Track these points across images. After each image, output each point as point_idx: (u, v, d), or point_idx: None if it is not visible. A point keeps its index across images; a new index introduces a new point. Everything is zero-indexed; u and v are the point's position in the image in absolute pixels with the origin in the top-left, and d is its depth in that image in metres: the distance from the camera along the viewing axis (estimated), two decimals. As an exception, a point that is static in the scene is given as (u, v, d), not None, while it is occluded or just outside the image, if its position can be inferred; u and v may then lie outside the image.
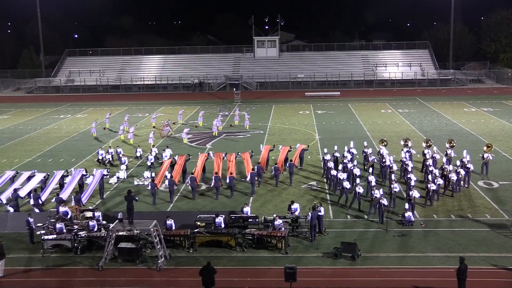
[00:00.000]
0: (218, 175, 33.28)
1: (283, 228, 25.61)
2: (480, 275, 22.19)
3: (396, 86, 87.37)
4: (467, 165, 33.72)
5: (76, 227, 26.14)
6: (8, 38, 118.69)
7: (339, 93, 79.47)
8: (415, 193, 28.97)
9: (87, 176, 34.35)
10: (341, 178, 31.56)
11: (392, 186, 30.29)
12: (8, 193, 31.86)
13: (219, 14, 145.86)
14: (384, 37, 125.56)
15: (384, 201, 27.87)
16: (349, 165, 34.29)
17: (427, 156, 35.81)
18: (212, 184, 33.04)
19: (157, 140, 48.27)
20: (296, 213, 27.46)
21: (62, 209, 27.51)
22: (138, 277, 23.07)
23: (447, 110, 63.35)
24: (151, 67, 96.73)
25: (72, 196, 30.77)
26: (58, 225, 25.70)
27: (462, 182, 32.96)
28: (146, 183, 35.26)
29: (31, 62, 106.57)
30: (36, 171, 35.19)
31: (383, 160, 35.30)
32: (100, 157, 40.81)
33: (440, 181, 31.43)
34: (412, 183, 30.64)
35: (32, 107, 73.72)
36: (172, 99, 78.65)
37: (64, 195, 31.34)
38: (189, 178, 33.73)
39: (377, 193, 28.90)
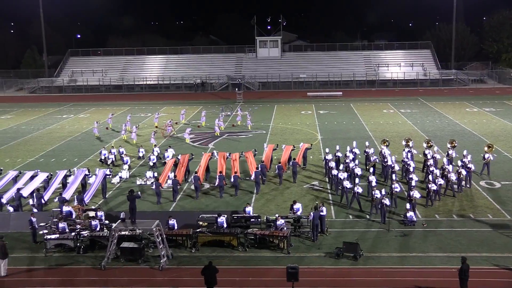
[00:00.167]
0: (222, 174, 33.45)
1: (285, 228, 25.65)
2: (482, 275, 22.20)
3: (398, 86, 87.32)
4: (468, 165, 33.72)
5: (78, 226, 26.23)
6: (11, 38, 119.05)
7: (341, 93, 79.50)
8: (416, 194, 29.00)
9: (90, 176, 34.45)
10: (342, 177, 31.64)
11: (393, 186, 30.33)
12: (11, 192, 31.96)
13: (221, 14, 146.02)
14: (386, 37, 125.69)
15: (386, 201, 27.89)
16: (351, 164, 34.37)
17: (428, 156, 35.82)
18: (217, 183, 33.23)
19: (160, 140, 48.36)
20: (298, 213, 27.50)
21: (65, 208, 27.60)
22: (140, 277, 23.13)
23: (449, 110, 63.32)
24: (153, 67, 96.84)
25: (75, 196, 30.89)
26: (60, 225, 25.76)
27: (464, 182, 32.97)
28: (148, 183, 35.40)
29: (34, 62, 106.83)
30: (39, 170, 35.29)
31: (385, 160, 35.34)
32: (103, 157, 40.89)
33: (441, 181, 31.46)
34: (413, 183, 30.65)
35: (35, 107, 73.87)
36: (175, 99, 78.72)
37: (67, 194, 31.39)
38: (192, 177, 33.89)
39: (378, 193, 28.96)
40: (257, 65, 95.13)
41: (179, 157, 37.14)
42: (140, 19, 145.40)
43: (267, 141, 47.29)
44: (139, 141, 47.82)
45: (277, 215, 26.43)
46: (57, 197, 30.66)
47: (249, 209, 27.90)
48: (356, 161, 35.37)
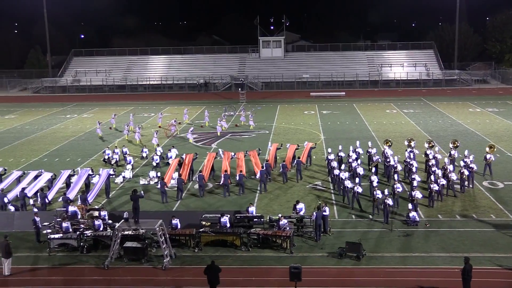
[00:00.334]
0: (227, 173, 33.61)
1: (288, 228, 25.69)
2: (485, 276, 22.19)
3: (401, 87, 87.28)
4: (471, 165, 33.70)
5: (82, 226, 26.30)
6: (15, 39, 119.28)
7: (344, 93, 79.51)
8: (418, 194, 29.03)
9: (93, 175, 34.55)
10: (343, 177, 31.70)
11: (395, 186, 30.35)
12: (15, 192, 32.09)
13: (224, 15, 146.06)
14: (389, 37, 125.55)
15: (389, 201, 27.91)
16: (354, 164, 34.43)
17: (430, 157, 35.81)
18: (222, 182, 33.37)
19: (163, 139, 48.45)
20: (301, 213, 27.54)
21: (71, 208, 27.68)
22: (143, 276, 23.20)
23: (452, 110, 63.27)
24: (157, 67, 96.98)
25: (78, 196, 30.98)
26: (64, 224, 25.86)
27: (466, 182, 32.96)
28: (152, 182, 35.52)
29: (37, 62, 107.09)
30: (43, 170, 35.39)
31: (388, 160, 35.37)
32: (106, 157, 40.99)
33: (443, 181, 31.45)
34: (415, 183, 30.65)
35: (38, 107, 74.06)
36: (178, 99, 78.81)
37: (71, 194, 31.50)
38: (197, 176, 34.03)
39: (379, 193, 29.00)
40: (260, 65, 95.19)
41: (183, 156, 37.27)
42: (143, 19, 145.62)
43: (270, 141, 47.34)
44: (143, 141, 47.87)
45: (280, 215, 26.46)
46: (61, 197, 30.79)
47: (252, 209, 27.97)
48: (359, 161, 35.42)
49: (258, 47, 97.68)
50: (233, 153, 37.47)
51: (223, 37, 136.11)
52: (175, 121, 53.70)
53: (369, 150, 37.64)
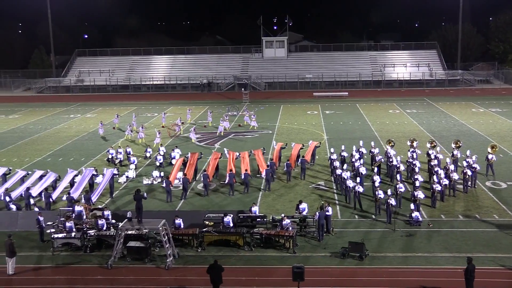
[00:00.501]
0: (232, 172, 33.76)
1: (291, 228, 25.73)
2: (488, 276, 22.20)
3: (404, 87, 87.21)
4: (473, 165, 33.70)
5: (86, 226, 26.38)
6: (19, 39, 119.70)
7: (347, 93, 79.48)
8: (420, 194, 29.05)
9: (97, 175, 34.65)
10: (345, 177, 31.75)
11: (397, 186, 30.37)
12: (20, 191, 32.22)
13: (228, 15, 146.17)
14: (392, 37, 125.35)
15: (392, 201, 27.94)
16: (356, 164, 34.48)
17: (432, 157, 35.81)
18: (227, 181, 33.54)
19: (166, 139, 48.53)
20: (304, 212, 27.58)
21: (77, 208, 27.75)
22: (146, 276, 23.27)
23: (455, 110, 63.22)
24: (160, 67, 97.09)
25: (82, 195, 31.08)
26: (68, 224, 25.94)
27: (469, 183, 32.96)
28: (155, 182, 35.62)
29: (41, 62, 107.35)
30: (49, 170, 35.46)
31: (390, 160, 35.39)
32: (110, 156, 41.09)
33: (446, 182, 31.44)
34: (417, 183, 30.65)
35: (42, 106, 74.23)
36: (181, 99, 78.89)
37: (75, 194, 31.57)
38: (202, 175, 34.15)
39: (381, 193, 29.03)
40: (263, 65, 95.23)
41: (187, 155, 37.37)
42: (147, 19, 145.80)
43: (273, 140, 47.39)
44: (146, 141, 47.95)
45: (283, 215, 26.52)
46: (65, 196, 30.88)
47: (255, 208, 28.02)
48: (361, 161, 35.48)
49: (261, 47, 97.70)
50: (237, 153, 37.59)
51: (226, 37, 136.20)
52: (180, 120, 53.77)
53: (372, 150, 37.68)
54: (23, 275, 23.50)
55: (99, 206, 29.81)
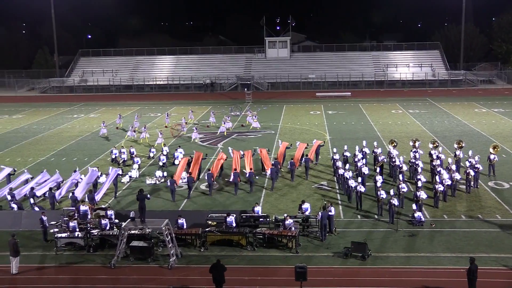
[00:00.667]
0: (236, 171, 33.86)
1: (293, 228, 25.78)
2: (491, 276, 22.21)
3: (406, 87, 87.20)
4: (476, 166, 33.70)
5: (89, 225, 26.47)
6: (23, 39, 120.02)
7: (350, 93, 79.56)
8: (422, 194, 29.08)
9: (100, 175, 34.72)
10: (347, 177, 31.81)
11: (400, 186, 30.41)
12: (25, 191, 32.33)
13: (230, 15, 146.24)
14: (395, 37, 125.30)
15: (395, 201, 27.97)
16: (359, 163, 34.54)
17: (434, 157, 35.83)
18: (231, 179, 33.58)
19: (169, 139, 48.61)
20: (307, 212, 27.62)
21: (83, 208, 27.85)
22: (149, 275, 23.33)
23: (458, 110, 63.20)
24: (163, 67, 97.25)
25: (86, 195, 31.17)
26: (71, 224, 26.03)
27: (472, 183, 32.97)
28: (158, 182, 35.72)
29: (45, 63, 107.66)
30: (57, 170, 35.51)
31: (393, 160, 35.43)
32: (114, 156, 41.20)
33: (448, 182, 31.47)
34: (419, 184, 30.68)
35: (46, 106, 74.43)
36: (184, 99, 79.02)
37: (79, 194, 31.62)
38: (206, 174, 34.26)
39: (383, 193, 29.08)
40: (266, 66, 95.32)
41: (192, 155, 37.42)
42: (150, 20, 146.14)
43: (275, 141, 47.46)
44: (150, 141, 48.02)
45: (285, 215, 26.57)
46: (69, 195, 30.99)
47: (258, 208, 28.08)
48: (364, 161, 35.52)
49: (264, 47, 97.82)
50: (242, 152, 37.71)
51: (229, 38, 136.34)
52: (184, 120, 53.83)
53: (374, 150, 37.76)
54: (26, 275, 23.59)
55: (102, 206, 29.90)
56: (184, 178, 34.23)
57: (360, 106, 68.45)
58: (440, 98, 73.99)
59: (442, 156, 36.38)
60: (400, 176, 32.24)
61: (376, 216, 28.97)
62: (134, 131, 50.54)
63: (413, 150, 37.17)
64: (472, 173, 32.78)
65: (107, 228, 26.34)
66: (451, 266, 23.31)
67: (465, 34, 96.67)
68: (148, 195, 28.37)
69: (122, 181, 36.15)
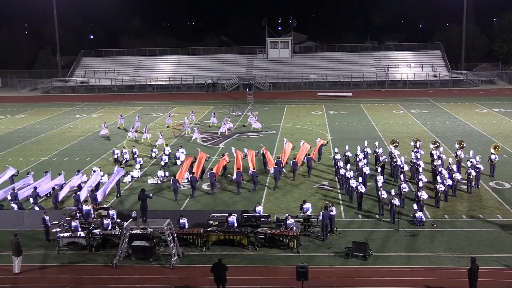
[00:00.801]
0: (240, 171, 34.05)
1: (295, 228, 25.84)
2: (492, 276, 22.24)
3: (408, 87, 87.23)
4: (477, 166, 33.74)
5: (91, 225, 26.55)
6: (25, 39, 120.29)
7: (351, 93, 79.61)
8: (423, 194, 29.13)
9: (102, 175, 34.83)
10: (349, 177, 31.88)
11: (401, 186, 30.46)
12: (28, 191, 32.44)
13: (232, 15, 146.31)
14: (396, 38, 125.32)
15: (396, 201, 28.02)
16: (360, 163, 34.61)
17: (435, 157, 35.88)
18: (234, 178, 33.72)
19: (171, 139, 48.69)
20: (308, 212, 27.67)
21: (86, 207, 27.94)
22: (151, 275, 23.40)
23: (459, 111, 63.21)
24: (165, 68, 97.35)
25: (88, 195, 31.26)
26: (73, 223, 26.11)
27: (473, 183, 33.01)
28: (160, 182, 35.81)
29: (47, 63, 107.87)
30: (62, 171, 35.59)
31: (395, 160, 35.49)
32: (115, 156, 41.29)
33: (450, 182, 31.51)
34: (420, 184, 30.73)
35: (48, 106, 74.56)
36: (186, 99, 79.11)
37: (82, 193, 31.69)
38: (209, 173, 34.38)
39: (384, 193, 29.14)
40: (268, 66, 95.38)
41: (197, 156, 37.49)
42: (152, 20, 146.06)
43: (277, 141, 47.54)
44: (152, 141, 48.10)
45: (287, 215, 26.61)
46: (72, 195, 31.09)
47: (259, 208, 28.15)
48: (365, 160, 35.59)
49: (266, 47, 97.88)
50: (245, 150, 37.84)
51: (231, 38, 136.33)
52: (186, 120, 53.92)
53: (376, 150, 37.82)
54: (29, 274, 23.68)
55: (105, 206, 30.00)
56: (188, 178, 34.31)
57: (361, 106, 68.50)
58: (441, 98, 74.00)
59: (443, 156, 36.42)
60: (402, 176, 32.30)
61: (377, 216, 29.02)
62: (136, 132, 50.64)
63: (414, 150, 37.22)
64: (473, 173, 32.81)
65: (109, 227, 26.42)
66: (452, 266, 23.36)
67: (467, 34, 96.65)
68: (151, 194, 28.43)
69: (124, 181, 36.24)
